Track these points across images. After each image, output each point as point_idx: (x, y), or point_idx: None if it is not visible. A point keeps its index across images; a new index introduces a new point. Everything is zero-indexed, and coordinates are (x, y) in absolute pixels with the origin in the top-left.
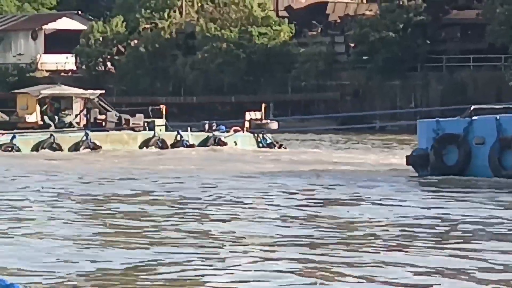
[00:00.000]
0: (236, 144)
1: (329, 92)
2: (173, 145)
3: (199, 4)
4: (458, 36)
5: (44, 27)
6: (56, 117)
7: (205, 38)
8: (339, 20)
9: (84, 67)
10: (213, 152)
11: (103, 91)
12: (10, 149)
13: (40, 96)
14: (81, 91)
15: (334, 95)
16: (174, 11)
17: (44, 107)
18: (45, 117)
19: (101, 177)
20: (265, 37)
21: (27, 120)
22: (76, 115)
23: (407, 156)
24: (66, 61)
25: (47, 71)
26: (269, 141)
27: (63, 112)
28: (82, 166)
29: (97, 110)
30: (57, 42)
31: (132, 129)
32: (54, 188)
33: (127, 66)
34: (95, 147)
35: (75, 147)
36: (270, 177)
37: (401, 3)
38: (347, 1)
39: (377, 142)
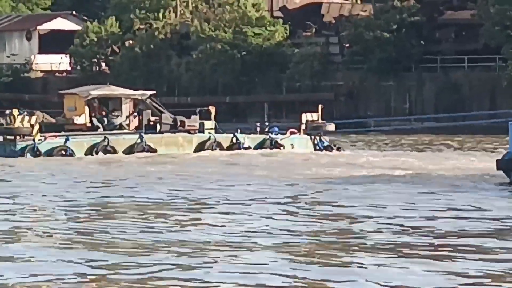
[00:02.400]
0: (292, 147)
1: (324, 93)
2: (229, 148)
3: (194, 5)
4: (453, 36)
5: (38, 27)
6: (105, 119)
7: (199, 39)
8: (333, 21)
9: (78, 67)
10: (279, 156)
11: (154, 92)
12: (63, 152)
13: (89, 97)
14: (130, 91)
15: (329, 96)
16: (169, 12)
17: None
18: (94, 119)
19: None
20: (260, 37)
21: (76, 122)
22: (127, 117)
23: (497, 161)
24: (60, 62)
25: (41, 71)
26: (326, 143)
27: (112, 114)
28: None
29: (149, 111)
30: (52, 43)
31: (187, 131)
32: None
33: (122, 67)
34: (150, 150)
35: (130, 150)
36: (364, 183)
37: (395, 3)
38: (341, 2)
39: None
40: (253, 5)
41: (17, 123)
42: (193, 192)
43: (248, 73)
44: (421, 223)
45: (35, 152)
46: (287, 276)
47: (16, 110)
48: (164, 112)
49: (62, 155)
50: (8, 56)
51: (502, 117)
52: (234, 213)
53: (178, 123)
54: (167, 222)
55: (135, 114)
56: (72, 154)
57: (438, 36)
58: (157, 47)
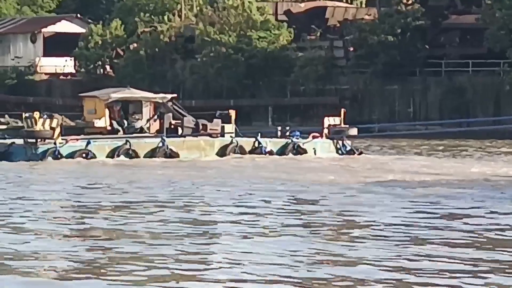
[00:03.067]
0: (315, 151)
1: (328, 96)
2: (251, 152)
3: (198, 8)
4: (457, 40)
5: (43, 30)
6: (125, 122)
7: (204, 42)
8: (338, 25)
9: (83, 70)
10: (309, 161)
11: (175, 95)
12: (85, 155)
13: (109, 100)
14: (151, 94)
15: (333, 100)
16: (173, 15)
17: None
18: (114, 122)
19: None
20: (264, 41)
21: (96, 125)
22: (148, 120)
23: None
24: (65, 64)
25: (45, 74)
26: (348, 147)
27: (132, 117)
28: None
29: (170, 114)
30: (56, 45)
31: (210, 135)
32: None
33: (126, 70)
34: (171, 154)
35: (151, 154)
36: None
37: (399, 8)
38: (346, 6)
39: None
40: (258, 9)
41: (38, 126)
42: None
43: (252, 77)
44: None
45: (57, 156)
46: None
47: (37, 112)
48: (186, 116)
49: (84, 158)
50: (13, 59)
51: (507, 123)
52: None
53: (200, 127)
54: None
55: (156, 117)
56: (93, 157)
57: (443, 40)
58: (161, 50)
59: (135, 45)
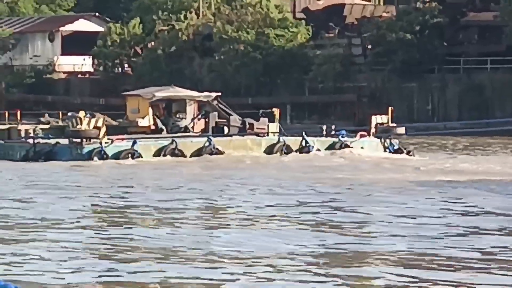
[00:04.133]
0: (362, 150)
1: (346, 94)
2: (298, 151)
3: (216, 6)
4: (476, 38)
5: (61, 28)
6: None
7: (222, 40)
8: (356, 22)
9: (101, 68)
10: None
11: (220, 93)
12: (131, 155)
13: (153, 99)
14: (195, 93)
15: (351, 97)
16: (191, 13)
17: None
18: (158, 121)
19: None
20: (282, 39)
21: (139, 124)
22: (192, 119)
23: None
24: (83, 63)
25: (64, 72)
26: (396, 146)
27: (177, 116)
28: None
29: (216, 113)
30: (74, 44)
31: (256, 134)
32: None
33: (144, 68)
34: (218, 153)
35: (198, 153)
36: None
37: (417, 5)
38: (364, 3)
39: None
40: (276, 7)
41: (84, 126)
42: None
43: (270, 75)
44: None
45: (102, 156)
46: None
47: (83, 112)
48: (232, 114)
49: (130, 158)
50: (31, 58)
51: None
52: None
53: (247, 126)
54: None
55: (200, 116)
56: (139, 157)
57: (461, 38)
58: (179, 49)
59: (153, 43)
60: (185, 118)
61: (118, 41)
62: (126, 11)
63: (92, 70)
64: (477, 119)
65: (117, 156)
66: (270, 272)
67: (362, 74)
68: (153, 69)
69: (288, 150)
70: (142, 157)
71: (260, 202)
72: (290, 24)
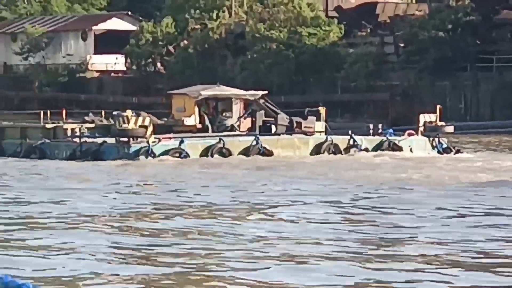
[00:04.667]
0: (411, 149)
1: (379, 93)
2: (346, 150)
3: (248, 5)
4: (509, 36)
5: (94, 27)
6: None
7: (254, 39)
8: (388, 20)
9: (134, 67)
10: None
11: (266, 92)
12: (178, 154)
13: (200, 98)
14: (241, 92)
15: (384, 96)
16: (223, 12)
17: (203, 109)
18: (206, 120)
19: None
20: (315, 37)
21: (185, 123)
22: (238, 118)
23: None
24: (115, 62)
25: (97, 71)
26: (444, 145)
27: (223, 115)
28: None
29: (263, 112)
30: (107, 43)
31: (304, 133)
32: None
33: (177, 67)
34: (266, 153)
35: (245, 152)
36: None
37: (450, 3)
38: (396, 1)
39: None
40: (308, 5)
41: (131, 125)
42: None
43: (302, 73)
44: None
45: (150, 155)
46: None
47: (129, 111)
48: (279, 113)
49: (177, 157)
50: (64, 57)
51: None
52: None
53: (294, 125)
54: None
55: (247, 115)
56: (186, 156)
57: (494, 36)
58: (211, 47)
59: (186, 42)
60: (231, 117)
61: (150, 39)
62: (158, 9)
63: (124, 68)
64: (510, 118)
65: (164, 155)
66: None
67: (394, 72)
68: (186, 68)
69: (336, 149)
70: (189, 156)
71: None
72: (323, 23)
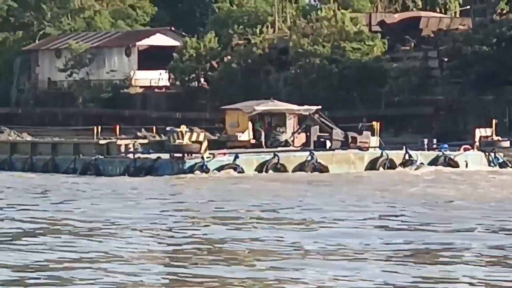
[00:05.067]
0: (466, 164)
1: (423, 107)
2: (402, 165)
3: (292, 20)
4: None
5: (137, 43)
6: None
7: (298, 54)
8: (432, 35)
9: (177, 83)
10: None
11: (320, 107)
12: (233, 169)
13: (254, 113)
14: (295, 107)
15: (428, 110)
16: (267, 27)
17: (258, 124)
18: (262, 135)
19: None
20: (358, 52)
21: (239, 138)
22: (293, 133)
23: None
24: (159, 77)
25: (140, 87)
26: (500, 160)
27: (277, 130)
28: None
29: (317, 127)
30: (151, 58)
31: (359, 148)
32: None
33: (220, 82)
34: (321, 169)
35: (300, 168)
36: None
37: (494, 17)
38: (440, 16)
39: None
40: (351, 20)
41: (186, 140)
42: None
43: (346, 88)
44: None
45: (204, 170)
46: None
47: (184, 126)
48: (334, 128)
49: (232, 173)
50: (108, 72)
51: None
52: None
53: (350, 140)
54: None
55: (301, 130)
56: (241, 172)
57: None
58: (255, 62)
59: (229, 57)
60: (285, 132)
61: (194, 55)
62: (202, 25)
63: (168, 84)
64: None
65: (219, 170)
66: None
67: (438, 87)
68: (229, 83)
69: (391, 164)
70: (244, 171)
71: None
72: (366, 37)
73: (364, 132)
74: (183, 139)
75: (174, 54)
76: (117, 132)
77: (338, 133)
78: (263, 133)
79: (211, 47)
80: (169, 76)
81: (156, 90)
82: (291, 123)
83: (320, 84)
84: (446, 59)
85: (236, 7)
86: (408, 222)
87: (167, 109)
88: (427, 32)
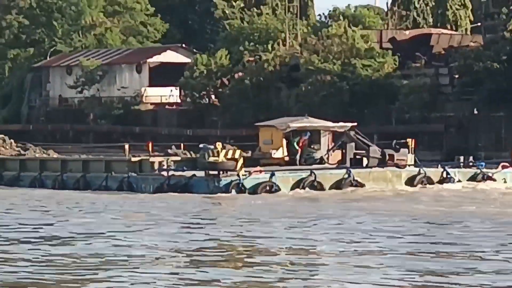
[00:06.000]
0: (505, 181)
1: (434, 124)
2: (440, 183)
3: (303, 37)
4: None
5: (148, 60)
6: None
7: (308, 71)
8: (443, 52)
9: (188, 99)
10: None
11: (355, 123)
12: (269, 188)
13: (288, 130)
14: (330, 123)
15: (439, 127)
16: (278, 44)
17: (295, 141)
18: (299, 152)
19: None
20: (369, 69)
21: (273, 155)
22: (328, 150)
23: None
24: (170, 94)
25: (151, 104)
26: None
27: (311, 147)
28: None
29: (353, 144)
30: (162, 75)
31: (396, 165)
32: None
33: (231, 99)
34: (358, 186)
35: (337, 186)
36: None
37: (505, 34)
38: (451, 33)
39: None
40: (362, 37)
41: (221, 158)
42: None
43: (357, 105)
44: None
45: (240, 188)
46: None
47: (220, 143)
48: (371, 145)
49: (267, 191)
50: (119, 89)
51: None
52: None
53: (387, 157)
54: None
55: (336, 147)
56: (277, 190)
57: None
58: (266, 79)
59: (240, 74)
60: (320, 149)
61: (205, 72)
62: (212, 42)
63: (179, 101)
64: None
65: (255, 188)
66: None
67: (449, 103)
68: (240, 100)
69: (428, 182)
70: (280, 189)
71: None
72: (377, 54)
73: (402, 150)
74: (218, 156)
75: (185, 71)
76: (150, 149)
77: (375, 151)
78: (299, 151)
79: (222, 63)
80: (180, 92)
81: (167, 106)
82: (325, 140)
83: (331, 101)
84: (457, 76)
85: (247, 24)
86: None
87: (177, 125)
88: (438, 49)
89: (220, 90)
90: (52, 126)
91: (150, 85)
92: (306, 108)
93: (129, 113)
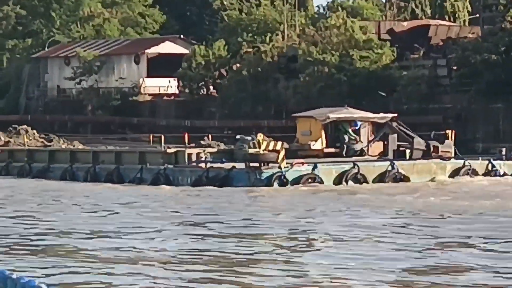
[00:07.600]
0: None
1: (432, 116)
2: (485, 175)
3: (301, 28)
4: None
5: (146, 51)
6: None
7: (306, 62)
8: (441, 43)
9: (186, 90)
10: None
11: (396, 114)
12: (311, 180)
13: (327, 121)
14: (370, 114)
15: (437, 119)
16: (276, 35)
17: (343, 131)
18: (341, 144)
19: None
20: (367, 60)
21: (312, 147)
22: (369, 142)
23: None
24: (168, 85)
25: (149, 95)
26: None
27: (352, 138)
28: None
29: (395, 136)
30: (160, 66)
31: (441, 157)
32: None
33: (229, 90)
34: (402, 179)
35: (380, 179)
36: None
37: (503, 25)
38: (449, 24)
39: None
40: (360, 28)
41: (262, 149)
42: None
43: (355, 96)
44: None
45: (282, 181)
46: None
47: (261, 134)
48: (414, 137)
49: (310, 183)
50: (117, 80)
51: None
52: None
53: (431, 149)
54: None
55: (377, 138)
56: (320, 182)
57: None
58: (264, 70)
59: (238, 65)
60: (360, 141)
61: (203, 63)
62: (211, 33)
63: (177, 92)
64: None
65: (297, 181)
66: None
67: (447, 95)
68: (238, 91)
69: (474, 174)
70: (323, 182)
71: None
72: (375, 46)
73: (446, 141)
74: (259, 148)
75: (183, 62)
76: (186, 141)
77: (419, 142)
78: (342, 142)
79: (220, 55)
80: (178, 83)
81: (165, 97)
82: (365, 131)
83: (329, 93)
84: (455, 68)
85: (245, 15)
86: None
87: (175, 116)
88: (436, 40)
89: (218, 81)
90: (50, 117)
91: (148, 76)
92: (304, 99)
93: (127, 104)
